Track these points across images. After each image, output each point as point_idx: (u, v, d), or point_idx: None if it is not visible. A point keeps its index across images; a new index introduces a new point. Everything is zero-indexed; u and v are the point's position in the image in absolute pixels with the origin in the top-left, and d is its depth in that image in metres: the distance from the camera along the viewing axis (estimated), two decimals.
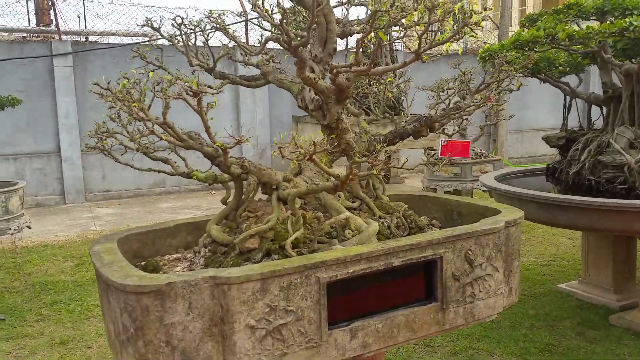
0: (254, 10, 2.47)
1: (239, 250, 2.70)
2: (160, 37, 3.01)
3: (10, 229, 5.42)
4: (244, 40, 12.03)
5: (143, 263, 2.89)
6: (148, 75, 2.45)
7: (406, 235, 3.08)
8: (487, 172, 7.60)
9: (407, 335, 2.69)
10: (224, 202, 3.03)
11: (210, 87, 3.57)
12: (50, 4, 11.92)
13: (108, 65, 10.51)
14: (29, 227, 5.88)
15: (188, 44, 3.01)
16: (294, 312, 2.36)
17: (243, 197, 2.93)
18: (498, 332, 5.13)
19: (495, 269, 2.95)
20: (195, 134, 2.86)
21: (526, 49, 4.91)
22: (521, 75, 5.45)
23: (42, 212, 9.89)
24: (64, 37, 11.03)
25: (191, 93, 2.21)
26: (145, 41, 11.20)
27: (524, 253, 7.08)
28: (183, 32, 2.93)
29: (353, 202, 3.23)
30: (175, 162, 3.01)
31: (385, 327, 2.62)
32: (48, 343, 4.99)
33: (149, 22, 3.02)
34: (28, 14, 11.79)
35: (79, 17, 12.60)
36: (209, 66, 3.20)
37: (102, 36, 12.00)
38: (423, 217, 3.55)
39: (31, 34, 11.04)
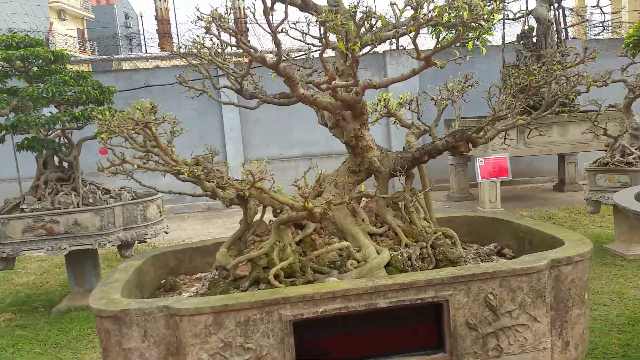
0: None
1: (233, 276, 2.63)
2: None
3: (147, 234, 6.12)
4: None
5: (163, 282, 3.00)
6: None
7: (431, 269, 2.67)
8: None
9: None
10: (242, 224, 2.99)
11: (248, 107, 3.57)
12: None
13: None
14: (166, 233, 6.54)
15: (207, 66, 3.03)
16: (253, 350, 2.21)
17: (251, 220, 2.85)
18: None
19: (534, 319, 2.38)
20: (203, 158, 2.88)
21: None
22: None
23: (210, 216, 10.99)
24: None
25: None
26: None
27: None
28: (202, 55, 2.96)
29: (381, 226, 2.91)
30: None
31: None
32: None
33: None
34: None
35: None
36: (236, 87, 3.18)
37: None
38: (476, 245, 3.04)
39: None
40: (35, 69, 5.85)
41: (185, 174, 2.38)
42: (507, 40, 10.50)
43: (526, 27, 9.82)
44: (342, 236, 2.82)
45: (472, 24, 2.24)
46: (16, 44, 5.65)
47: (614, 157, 6.52)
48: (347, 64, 2.83)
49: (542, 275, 2.36)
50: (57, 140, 5.89)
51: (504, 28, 10.03)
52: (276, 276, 2.51)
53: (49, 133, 5.72)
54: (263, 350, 2.21)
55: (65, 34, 24.34)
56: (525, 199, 10.03)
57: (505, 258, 3.09)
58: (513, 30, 12.09)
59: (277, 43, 2.24)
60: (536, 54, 9.16)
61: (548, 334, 2.41)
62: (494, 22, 2.29)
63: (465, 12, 2.20)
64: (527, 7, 9.86)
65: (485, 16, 2.20)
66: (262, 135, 11.49)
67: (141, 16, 27.05)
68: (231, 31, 2.26)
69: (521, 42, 9.82)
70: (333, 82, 2.38)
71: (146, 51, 19.95)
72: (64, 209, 5.64)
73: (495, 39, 11.80)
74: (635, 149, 6.41)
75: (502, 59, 9.65)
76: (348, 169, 2.92)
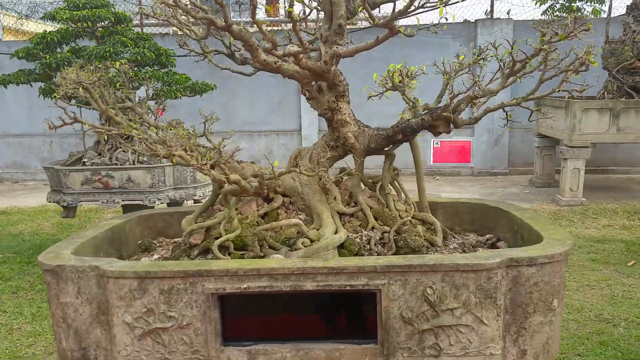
0: None
1: (187, 244, 2.63)
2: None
3: (196, 194, 6.36)
4: (489, 14, 10.98)
5: (139, 242, 3.08)
6: None
7: (391, 255, 2.48)
8: None
9: None
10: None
11: (244, 74, 3.50)
12: None
13: None
14: None
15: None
16: (175, 319, 2.21)
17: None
18: None
19: (480, 320, 2.14)
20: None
21: None
22: None
23: None
24: None
25: None
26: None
27: None
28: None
29: (353, 206, 2.74)
30: None
31: (295, 358, 2.21)
32: None
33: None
34: None
35: None
36: (227, 52, 3.10)
37: None
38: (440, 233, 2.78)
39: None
40: (101, 29, 6.18)
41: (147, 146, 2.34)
42: (616, 12, 9.41)
43: None
44: (309, 212, 2.71)
45: None
46: (82, 5, 6.00)
47: None
48: (331, 30, 2.66)
49: (492, 275, 2.11)
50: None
51: None
52: (225, 247, 2.48)
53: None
54: (185, 319, 2.21)
55: None
56: (616, 190, 9.07)
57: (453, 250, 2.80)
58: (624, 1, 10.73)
59: (220, 3, 2.13)
60: None
61: (499, 339, 2.16)
62: None
63: None
64: None
65: None
66: None
67: None
68: None
69: (631, 14, 8.72)
70: (287, 49, 2.25)
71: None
72: (120, 165, 6.01)
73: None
74: None
75: (606, 34, 8.65)
76: (324, 143, 2.78)
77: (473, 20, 10.89)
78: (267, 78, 10.38)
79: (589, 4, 11.59)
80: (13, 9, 12.87)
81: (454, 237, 2.96)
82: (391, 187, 2.78)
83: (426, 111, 2.58)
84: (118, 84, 3.27)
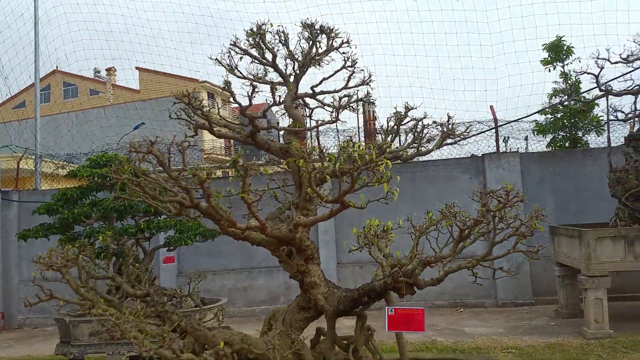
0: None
1: None
2: None
3: None
4: (494, 148, 11.30)
5: None
6: None
7: None
8: None
9: None
10: None
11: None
12: None
13: None
14: None
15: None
16: None
17: None
18: None
19: None
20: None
21: None
22: None
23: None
24: None
25: None
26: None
27: None
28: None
29: None
30: None
31: None
32: None
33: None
34: None
35: None
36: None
37: None
38: None
39: None
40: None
41: None
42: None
43: (635, 129, 8.98)
44: None
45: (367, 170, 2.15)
46: (104, 163, 6.48)
47: None
48: (301, 197, 2.83)
49: None
50: (133, 248, 6.48)
51: (608, 131, 9.24)
52: None
53: (120, 242, 6.32)
54: None
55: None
56: None
57: None
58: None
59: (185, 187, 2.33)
60: None
61: None
62: (388, 166, 2.17)
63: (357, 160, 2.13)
64: (635, 107, 9.05)
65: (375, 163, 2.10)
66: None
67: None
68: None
69: (630, 145, 8.94)
70: (248, 223, 2.39)
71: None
72: None
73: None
74: None
75: (609, 163, 8.83)
76: (297, 305, 2.82)
77: (480, 155, 11.23)
78: None
79: (587, 136, 12.00)
80: (52, 161, 13.91)
81: None
82: (365, 348, 2.75)
83: (389, 274, 2.63)
84: (102, 254, 3.45)
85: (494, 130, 11.35)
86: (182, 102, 2.86)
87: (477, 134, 11.67)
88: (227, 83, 3.37)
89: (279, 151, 2.66)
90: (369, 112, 14.45)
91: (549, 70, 12.57)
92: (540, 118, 12.39)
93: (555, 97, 12.18)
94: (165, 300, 6.37)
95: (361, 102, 3.60)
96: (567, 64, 12.33)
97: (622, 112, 9.54)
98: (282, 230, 2.55)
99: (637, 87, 8.64)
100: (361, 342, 2.71)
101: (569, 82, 12.26)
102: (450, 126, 3.07)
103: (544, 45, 12.49)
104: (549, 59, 12.51)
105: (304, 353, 2.74)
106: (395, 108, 3.33)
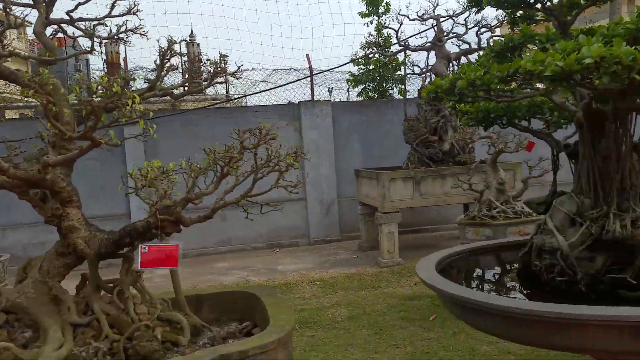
0: None
1: None
2: None
3: None
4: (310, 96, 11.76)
5: None
6: None
7: None
8: (527, 234, 6.14)
9: None
10: None
11: None
12: None
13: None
14: None
15: None
16: None
17: None
18: None
19: None
20: None
21: None
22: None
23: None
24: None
25: None
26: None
27: None
28: None
29: (89, 315, 2.66)
30: None
31: None
32: None
33: None
34: None
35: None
36: None
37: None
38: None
39: None
40: None
41: None
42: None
43: (426, 83, 9.94)
44: (37, 328, 2.57)
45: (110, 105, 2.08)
46: None
47: (481, 210, 6.46)
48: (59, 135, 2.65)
49: None
50: None
51: (404, 84, 10.14)
52: None
53: None
54: None
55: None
56: (428, 247, 9.88)
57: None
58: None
59: None
60: (435, 108, 9.24)
61: None
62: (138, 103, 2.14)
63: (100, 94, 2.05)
64: (427, 63, 10.00)
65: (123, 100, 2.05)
66: None
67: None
68: None
69: (421, 96, 9.93)
70: None
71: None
72: None
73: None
74: (500, 204, 6.36)
75: (404, 113, 9.73)
76: (56, 252, 2.70)
77: (297, 102, 11.56)
78: (85, 162, 9.95)
79: (395, 87, 13.05)
80: None
81: (210, 331, 2.97)
82: (134, 289, 2.75)
83: (152, 213, 2.63)
84: None
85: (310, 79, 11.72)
86: None
87: (293, 82, 11.99)
88: None
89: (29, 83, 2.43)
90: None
91: (367, 25, 13.24)
92: (355, 69, 13.12)
93: (368, 49, 12.92)
94: None
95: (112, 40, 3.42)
96: (384, 19, 13.07)
97: (419, 66, 10.51)
98: (29, 172, 2.38)
99: (429, 44, 9.53)
100: (127, 284, 2.69)
101: (382, 36, 13.06)
102: (222, 65, 3.09)
103: None
104: (367, 12, 13.13)
105: (65, 299, 2.65)
106: (168, 40, 3.21)
